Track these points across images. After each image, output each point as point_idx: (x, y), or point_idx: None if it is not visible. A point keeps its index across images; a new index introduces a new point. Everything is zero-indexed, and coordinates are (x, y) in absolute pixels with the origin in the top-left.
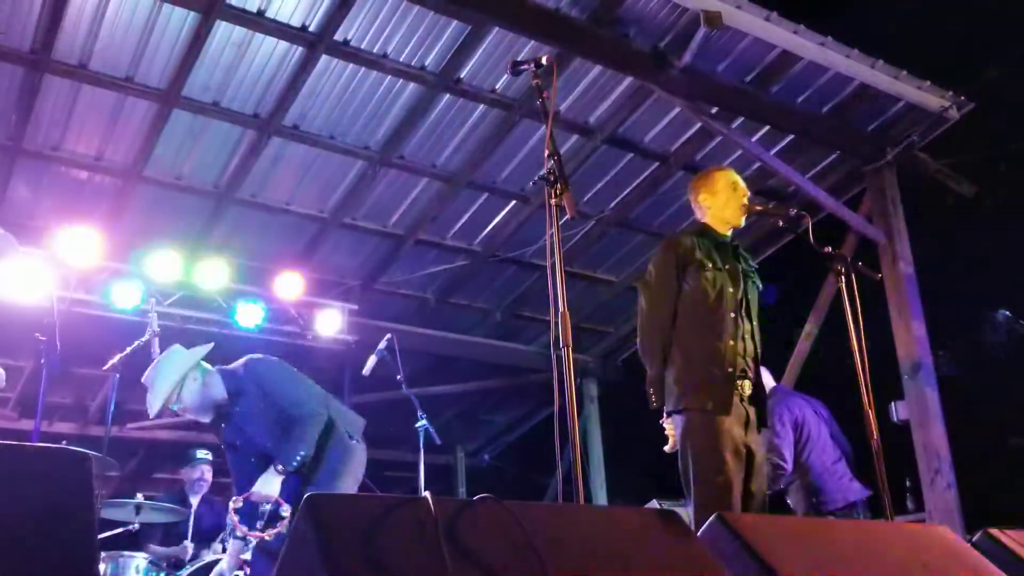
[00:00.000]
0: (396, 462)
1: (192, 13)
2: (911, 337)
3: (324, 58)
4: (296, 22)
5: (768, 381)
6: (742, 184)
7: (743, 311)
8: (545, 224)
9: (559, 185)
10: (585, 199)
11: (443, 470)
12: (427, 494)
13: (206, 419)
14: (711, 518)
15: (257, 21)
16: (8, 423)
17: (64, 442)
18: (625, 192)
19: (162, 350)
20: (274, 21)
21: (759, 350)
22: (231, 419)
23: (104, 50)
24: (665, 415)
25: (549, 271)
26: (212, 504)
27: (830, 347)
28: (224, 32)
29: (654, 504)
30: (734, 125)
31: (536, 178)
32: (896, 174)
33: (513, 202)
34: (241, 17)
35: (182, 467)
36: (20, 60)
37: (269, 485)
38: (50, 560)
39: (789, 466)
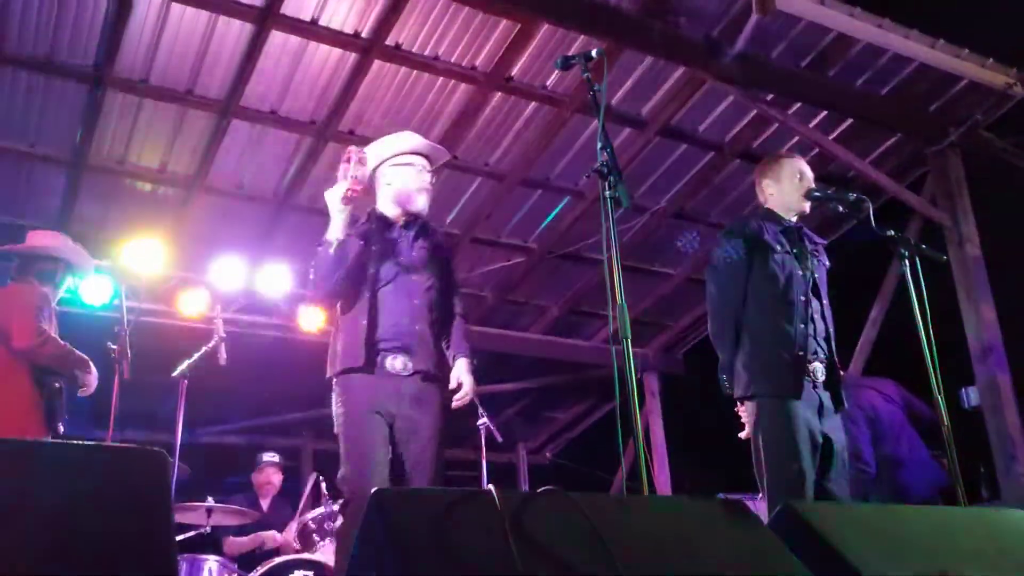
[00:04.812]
0: (458, 461)
1: (248, 24)
2: (981, 321)
3: (377, 63)
4: (348, 29)
5: None
6: (808, 172)
7: (812, 291)
8: (600, 218)
9: (612, 177)
10: (640, 192)
11: (505, 468)
12: (491, 487)
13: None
14: (779, 506)
15: (311, 29)
16: (82, 432)
17: None
18: (680, 184)
19: (228, 356)
20: (327, 28)
21: (831, 329)
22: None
23: (164, 64)
24: (739, 403)
25: (606, 265)
26: (280, 504)
27: (898, 333)
28: (279, 41)
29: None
30: (791, 111)
31: (590, 171)
32: (960, 155)
33: (567, 198)
34: (295, 26)
35: (251, 471)
36: (83, 78)
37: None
38: (131, 554)
39: (873, 469)
